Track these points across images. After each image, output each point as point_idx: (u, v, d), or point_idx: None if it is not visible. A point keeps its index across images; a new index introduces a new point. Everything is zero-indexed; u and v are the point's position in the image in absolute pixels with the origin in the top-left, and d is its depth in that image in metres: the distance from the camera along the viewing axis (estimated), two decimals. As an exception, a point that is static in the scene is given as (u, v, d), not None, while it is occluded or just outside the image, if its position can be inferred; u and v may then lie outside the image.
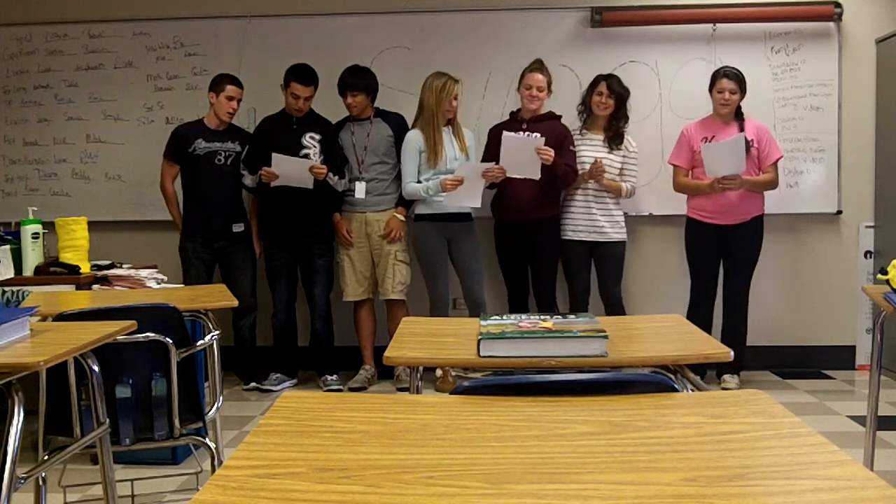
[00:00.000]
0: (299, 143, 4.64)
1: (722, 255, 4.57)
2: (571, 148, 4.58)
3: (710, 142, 4.45)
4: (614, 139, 4.59)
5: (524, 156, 4.36)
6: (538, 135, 4.45)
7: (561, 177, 4.49)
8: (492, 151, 4.55)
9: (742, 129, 4.46)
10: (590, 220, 4.59)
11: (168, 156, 4.72)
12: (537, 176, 4.38)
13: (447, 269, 4.66)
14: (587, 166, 4.55)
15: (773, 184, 4.53)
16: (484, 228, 4.80)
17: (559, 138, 4.51)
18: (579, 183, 4.58)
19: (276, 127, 4.70)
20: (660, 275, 5.07)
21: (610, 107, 4.56)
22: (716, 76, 4.49)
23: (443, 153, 4.52)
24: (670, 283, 4.97)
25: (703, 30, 4.98)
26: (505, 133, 4.41)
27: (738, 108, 4.51)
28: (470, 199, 4.42)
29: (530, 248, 4.65)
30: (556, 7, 5.03)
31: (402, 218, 4.69)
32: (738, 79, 4.44)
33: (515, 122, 4.63)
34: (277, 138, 4.62)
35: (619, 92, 4.55)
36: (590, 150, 4.61)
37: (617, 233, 4.62)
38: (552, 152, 4.36)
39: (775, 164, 4.52)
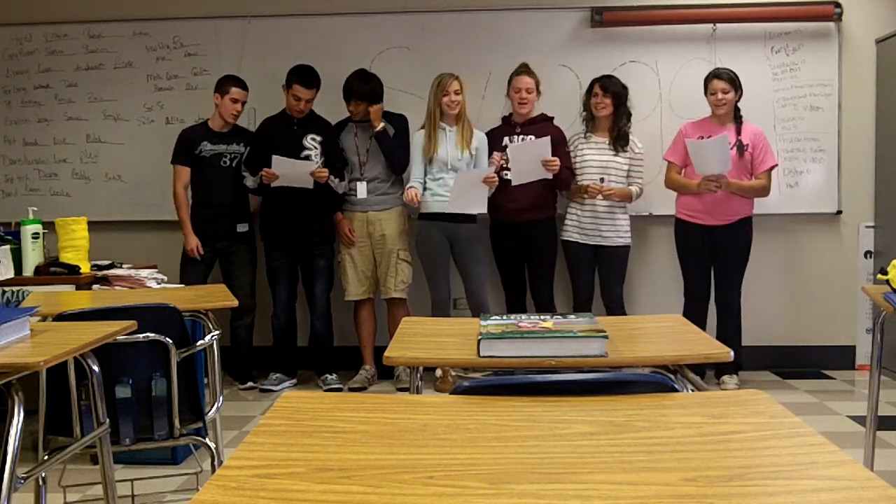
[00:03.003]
0: (300, 144, 4.64)
1: (712, 255, 4.57)
2: (567, 149, 4.62)
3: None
4: (619, 140, 4.58)
5: (531, 160, 4.41)
6: (532, 137, 4.51)
7: (563, 180, 4.53)
8: (488, 156, 4.58)
9: (739, 132, 4.45)
10: (595, 224, 4.58)
11: (177, 160, 4.69)
12: (549, 176, 4.44)
13: (449, 269, 4.66)
14: (594, 170, 4.56)
15: (763, 191, 4.51)
16: (480, 228, 4.79)
17: (554, 140, 4.52)
18: (581, 195, 4.58)
19: (276, 128, 4.70)
20: (658, 274, 5.07)
21: (607, 106, 4.56)
22: (708, 79, 4.51)
23: (439, 152, 4.52)
24: (668, 283, 4.97)
25: (703, 30, 4.98)
26: (510, 145, 4.47)
27: (738, 110, 4.50)
28: (474, 205, 4.45)
29: (527, 249, 4.67)
30: (556, 7, 5.03)
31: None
32: (730, 78, 4.45)
33: (509, 126, 4.66)
34: (278, 139, 4.62)
35: (614, 91, 4.55)
36: (595, 153, 4.61)
37: (620, 237, 4.62)
38: (559, 162, 4.42)
39: (769, 171, 4.49)
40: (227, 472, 1.01)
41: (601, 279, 4.69)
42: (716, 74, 4.48)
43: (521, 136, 4.58)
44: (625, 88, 4.60)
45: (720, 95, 4.43)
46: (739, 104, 4.52)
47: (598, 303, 4.71)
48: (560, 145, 4.57)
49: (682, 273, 4.67)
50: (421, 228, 4.65)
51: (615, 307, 4.63)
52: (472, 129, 4.60)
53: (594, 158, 4.59)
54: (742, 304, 4.65)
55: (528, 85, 4.55)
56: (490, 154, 4.60)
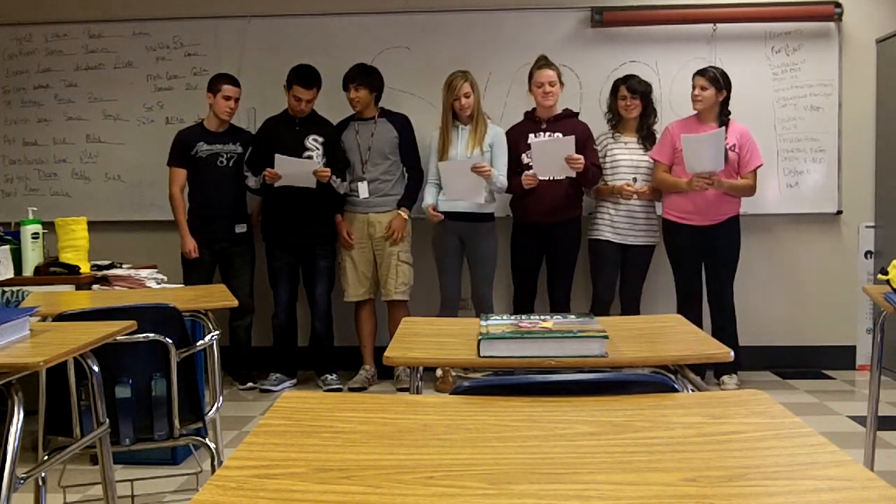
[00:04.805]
0: (302, 144, 4.63)
1: (702, 255, 4.57)
2: (594, 146, 4.60)
3: None
4: (648, 138, 4.60)
5: (555, 158, 4.37)
6: (559, 134, 4.48)
7: (590, 178, 4.51)
8: (511, 154, 4.54)
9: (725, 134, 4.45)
10: (630, 223, 4.58)
11: (173, 162, 4.68)
12: (572, 174, 4.40)
13: (459, 267, 4.64)
14: (626, 170, 4.56)
15: (750, 190, 4.50)
16: (499, 228, 4.77)
17: (581, 137, 4.49)
18: (614, 195, 4.57)
19: (278, 128, 4.70)
20: (657, 274, 5.05)
21: (637, 107, 4.57)
22: (694, 75, 4.50)
23: (451, 151, 4.51)
24: (668, 283, 4.96)
25: (703, 30, 4.98)
26: (532, 141, 4.44)
27: (725, 110, 4.47)
28: (469, 195, 4.42)
29: (549, 248, 4.63)
30: (556, 7, 5.03)
31: (406, 217, 4.68)
32: (713, 76, 4.42)
33: (533, 122, 4.60)
34: (280, 140, 4.62)
35: (641, 90, 4.57)
36: (626, 153, 4.60)
37: (651, 237, 4.63)
38: (582, 159, 4.37)
39: (754, 171, 4.49)
40: (227, 473, 1.01)
41: (623, 276, 4.69)
42: (699, 72, 4.48)
43: (546, 133, 4.55)
44: (649, 86, 4.61)
45: (697, 91, 4.43)
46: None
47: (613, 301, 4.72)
48: (589, 142, 4.55)
49: (673, 274, 4.67)
50: (435, 226, 4.65)
51: (632, 305, 4.65)
52: (487, 126, 4.55)
53: (626, 158, 4.59)
54: (742, 304, 4.66)
55: (550, 78, 4.50)
56: (510, 148, 4.54)
